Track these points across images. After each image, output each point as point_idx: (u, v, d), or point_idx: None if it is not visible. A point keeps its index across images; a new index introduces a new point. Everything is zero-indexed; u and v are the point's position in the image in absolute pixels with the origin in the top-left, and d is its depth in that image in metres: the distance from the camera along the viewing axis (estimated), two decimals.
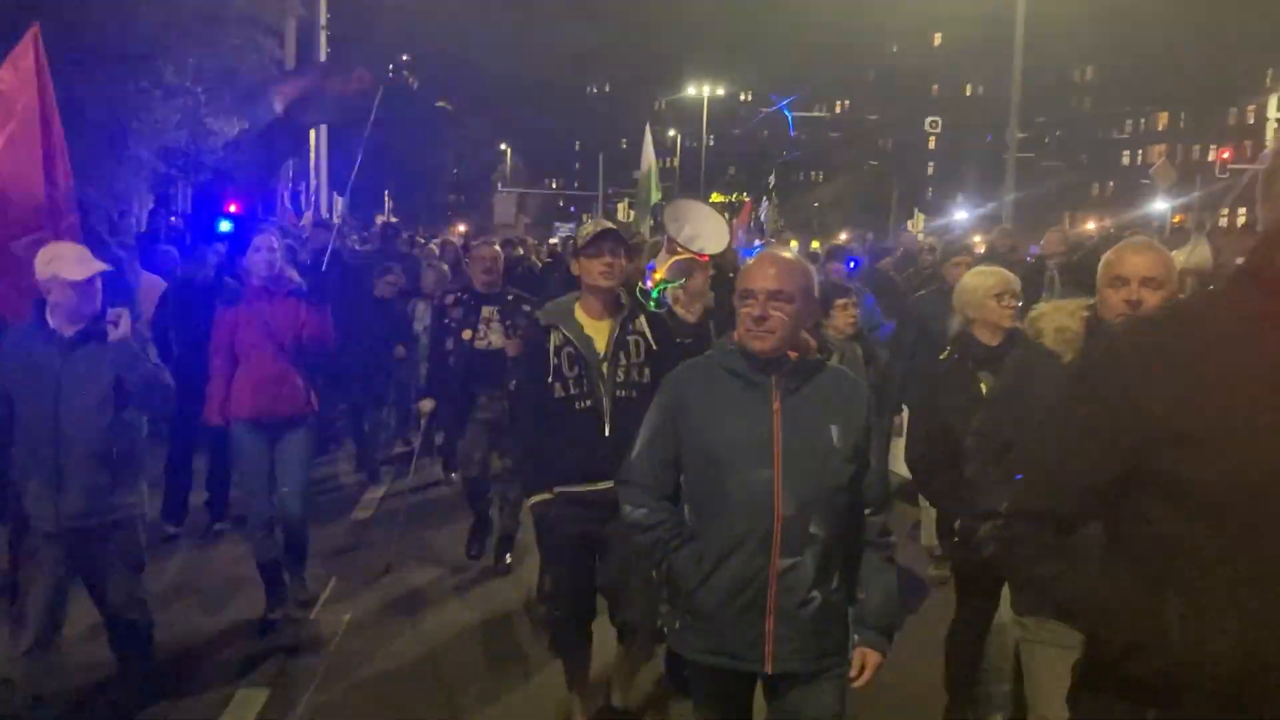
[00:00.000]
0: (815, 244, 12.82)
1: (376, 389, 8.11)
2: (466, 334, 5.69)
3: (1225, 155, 37.39)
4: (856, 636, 2.72)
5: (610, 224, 3.81)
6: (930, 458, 3.86)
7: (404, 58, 38.16)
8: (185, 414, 5.39)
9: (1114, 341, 1.67)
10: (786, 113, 40.22)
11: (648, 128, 11.68)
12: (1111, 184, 65.37)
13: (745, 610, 2.58)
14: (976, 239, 11.28)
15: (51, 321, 3.81)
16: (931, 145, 72.48)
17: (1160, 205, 14.21)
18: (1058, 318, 2.97)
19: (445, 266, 8.78)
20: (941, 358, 4.16)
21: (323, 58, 18.12)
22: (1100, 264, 2.99)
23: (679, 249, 3.97)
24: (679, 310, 3.86)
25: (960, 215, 29.11)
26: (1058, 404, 1.72)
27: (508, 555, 6.03)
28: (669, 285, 3.78)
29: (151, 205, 24.83)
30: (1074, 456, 1.63)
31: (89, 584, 3.99)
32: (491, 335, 5.70)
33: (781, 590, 2.55)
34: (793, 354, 2.63)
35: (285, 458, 5.04)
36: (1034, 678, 2.97)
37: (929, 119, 39.96)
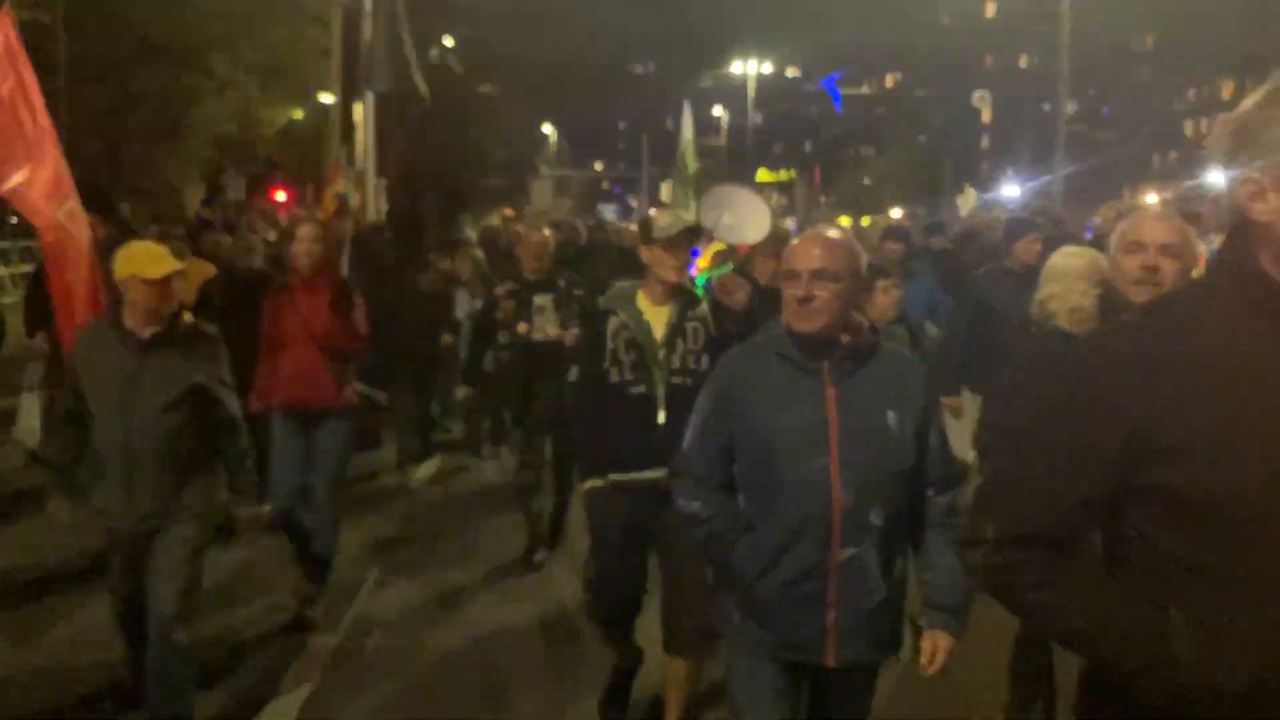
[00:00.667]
0: (865, 220, 12.64)
1: (425, 377, 8.16)
2: (522, 327, 5.52)
3: None
4: (924, 620, 2.62)
5: (694, 222, 3.81)
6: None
7: (447, 43, 38.20)
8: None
9: (1089, 349, 1.60)
10: (832, 91, 39.74)
11: (686, 104, 11.54)
12: (1174, 155, 63.73)
13: (806, 602, 2.52)
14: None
15: (128, 321, 3.81)
16: (986, 118, 71.14)
17: (1215, 176, 13.83)
18: (1070, 298, 2.93)
19: (479, 253, 8.76)
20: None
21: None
22: (1115, 234, 2.90)
23: (718, 237, 3.98)
24: (723, 299, 3.81)
25: (1010, 190, 28.54)
26: (1037, 419, 1.64)
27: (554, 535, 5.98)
28: (712, 273, 3.79)
29: (204, 194, 25.27)
30: (1058, 474, 1.53)
31: (145, 586, 3.95)
32: (547, 326, 5.55)
33: (843, 582, 2.50)
34: (845, 336, 2.56)
35: (316, 449, 5.05)
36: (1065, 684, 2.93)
37: (977, 93, 39.22)
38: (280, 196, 18.90)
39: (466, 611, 5.29)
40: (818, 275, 2.50)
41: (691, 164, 11.15)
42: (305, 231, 5.11)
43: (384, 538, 6.42)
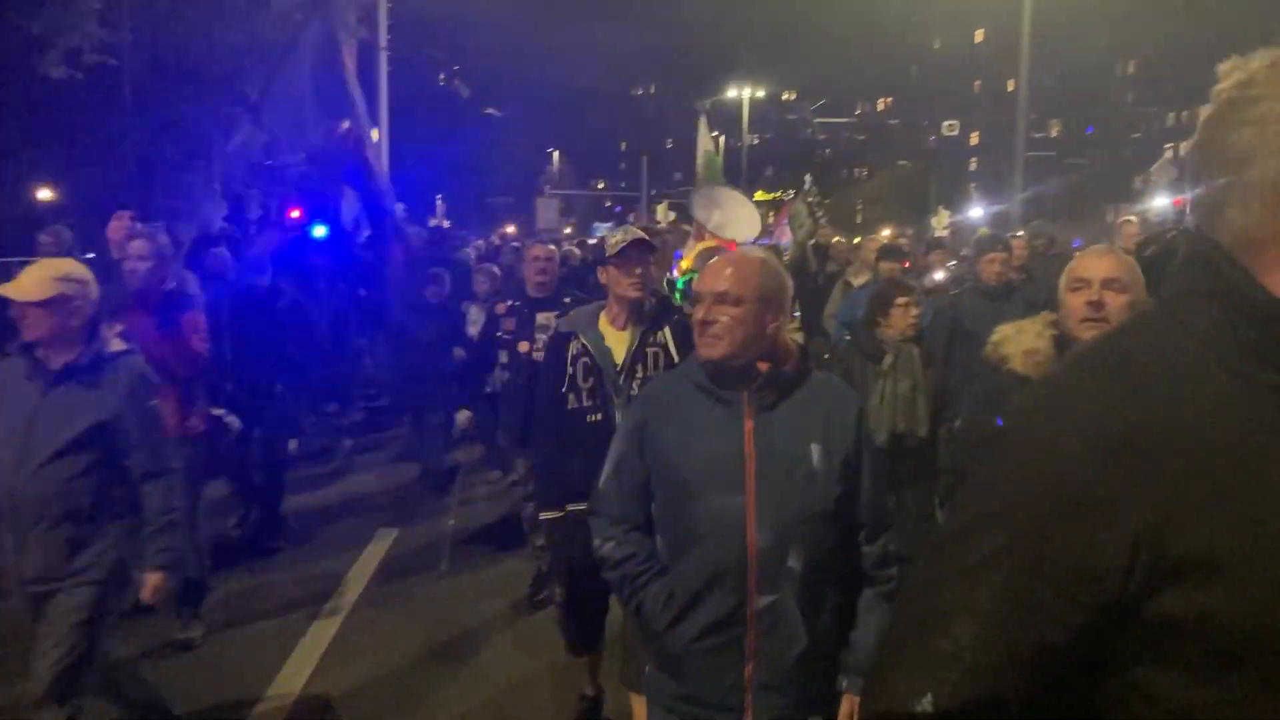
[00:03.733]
0: (856, 240, 13.63)
1: (430, 394, 7.87)
2: (523, 346, 5.14)
3: None
4: (845, 681, 2.42)
5: (640, 232, 3.65)
6: None
7: (454, 68, 39.95)
8: (244, 424, 5.59)
9: (1054, 433, 1.05)
10: (813, 119, 41.50)
11: (702, 119, 11.84)
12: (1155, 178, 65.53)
13: (720, 653, 2.34)
14: (1020, 233, 11.19)
15: (39, 350, 3.35)
16: (974, 141, 72.99)
17: (1161, 200, 15.68)
18: (1024, 340, 2.75)
19: (496, 269, 8.47)
20: None
21: (384, 75, 19.89)
22: (1062, 275, 2.80)
23: (708, 235, 3.88)
24: None
25: (976, 212, 30.14)
26: (973, 551, 1.05)
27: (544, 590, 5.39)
28: (694, 275, 3.43)
29: (225, 213, 26.79)
30: (1011, 619, 1.01)
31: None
32: None
33: (761, 632, 2.31)
34: (762, 365, 2.37)
35: None
36: None
37: (945, 122, 40.85)
38: (295, 215, 20.38)
39: (466, 654, 4.82)
40: (720, 298, 2.34)
41: (717, 173, 11.10)
42: (135, 248, 4.50)
43: (381, 567, 5.95)
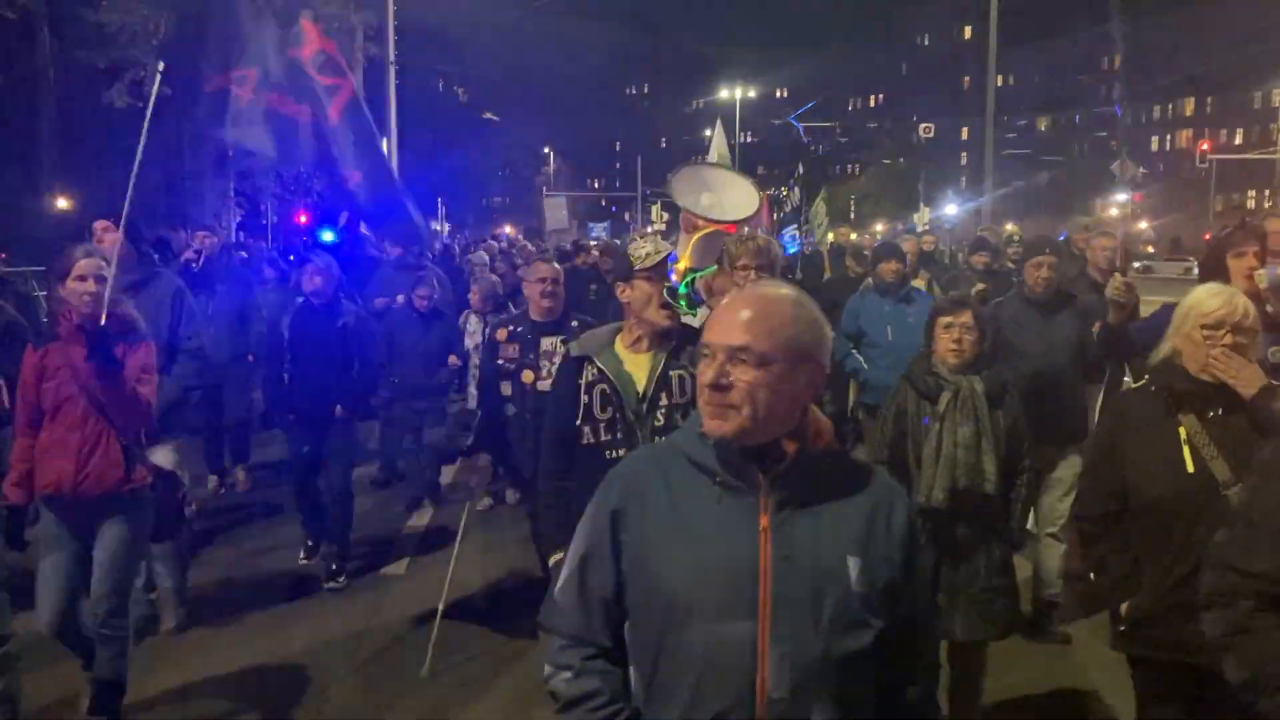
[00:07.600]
0: (853, 235, 14.09)
1: (424, 410, 7.32)
2: (527, 376, 4.67)
3: (1204, 146, 40.48)
4: None
5: (672, 246, 3.22)
6: (1099, 515, 2.95)
7: (455, 75, 41.11)
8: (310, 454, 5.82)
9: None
10: (796, 124, 42.62)
11: (718, 123, 11.59)
12: (1143, 170, 66.93)
13: None
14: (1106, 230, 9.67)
15: None
16: (965, 135, 74.28)
17: (1121, 196, 17.33)
18: None
19: (496, 278, 7.90)
20: (1135, 385, 3.11)
21: (392, 91, 21.09)
22: None
23: (699, 222, 3.33)
24: (715, 305, 3.07)
25: (950, 209, 31.38)
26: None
27: None
28: (697, 275, 3.01)
29: (240, 217, 27.88)
30: None
31: None
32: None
33: None
34: (789, 444, 1.77)
35: (99, 551, 3.97)
36: None
37: (922, 125, 41.96)
38: (303, 220, 21.40)
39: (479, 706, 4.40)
40: (736, 354, 1.71)
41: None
42: (86, 266, 3.91)
43: (384, 618, 5.33)
